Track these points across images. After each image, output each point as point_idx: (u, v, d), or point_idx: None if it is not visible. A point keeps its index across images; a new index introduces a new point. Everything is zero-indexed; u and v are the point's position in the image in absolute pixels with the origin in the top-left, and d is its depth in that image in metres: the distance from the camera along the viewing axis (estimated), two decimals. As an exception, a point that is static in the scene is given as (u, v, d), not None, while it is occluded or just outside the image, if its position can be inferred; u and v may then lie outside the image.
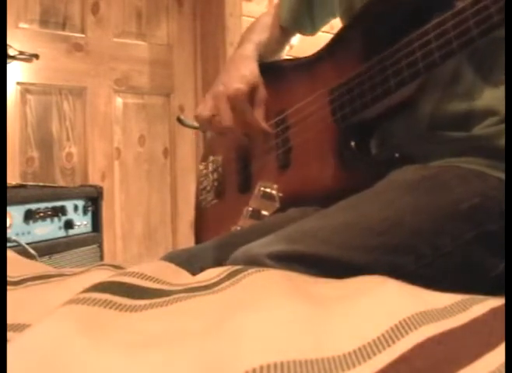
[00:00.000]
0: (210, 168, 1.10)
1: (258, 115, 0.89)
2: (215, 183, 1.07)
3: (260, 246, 0.63)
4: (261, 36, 1.01)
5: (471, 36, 0.62)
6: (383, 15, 0.77)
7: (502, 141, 0.70)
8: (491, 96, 0.72)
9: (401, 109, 0.75)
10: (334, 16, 1.00)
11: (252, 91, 0.90)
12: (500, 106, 0.72)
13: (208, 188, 1.09)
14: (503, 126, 0.71)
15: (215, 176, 1.08)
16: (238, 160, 1.02)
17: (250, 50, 0.97)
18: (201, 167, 1.13)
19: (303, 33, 1.05)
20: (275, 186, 0.88)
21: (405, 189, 0.68)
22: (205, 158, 1.14)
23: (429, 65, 0.67)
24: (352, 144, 0.78)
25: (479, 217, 0.66)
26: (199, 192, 1.13)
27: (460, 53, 0.65)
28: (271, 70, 0.96)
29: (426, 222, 0.64)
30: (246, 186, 0.99)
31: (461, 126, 0.73)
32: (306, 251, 0.61)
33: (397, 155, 0.74)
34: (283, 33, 1.04)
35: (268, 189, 0.87)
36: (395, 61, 0.71)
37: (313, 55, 0.89)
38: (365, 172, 0.77)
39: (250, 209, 0.89)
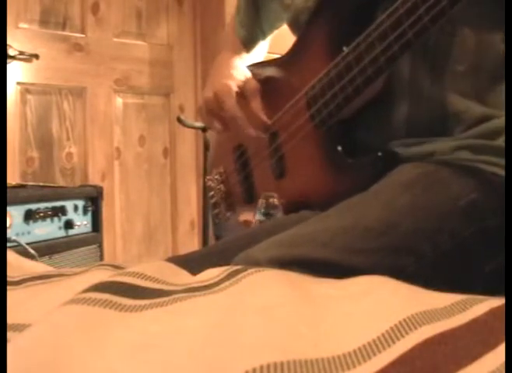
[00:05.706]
0: (216, 181, 1.10)
1: (255, 106, 0.88)
2: (224, 196, 1.08)
3: (260, 251, 0.62)
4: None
5: (423, 24, 0.62)
6: (335, 9, 0.77)
7: (492, 140, 0.69)
8: (451, 96, 0.72)
9: (374, 108, 0.75)
10: (281, 22, 1.00)
11: (242, 86, 0.90)
12: (461, 102, 0.71)
13: (219, 202, 1.09)
14: (483, 126, 0.70)
15: (223, 188, 1.08)
16: (239, 172, 1.03)
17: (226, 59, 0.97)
18: (209, 182, 1.13)
19: (256, 40, 1.05)
20: (276, 195, 0.88)
21: (402, 188, 0.68)
22: (210, 172, 1.15)
23: (389, 59, 0.67)
24: (339, 148, 0.78)
25: (478, 213, 0.65)
26: (212, 206, 1.13)
27: (416, 42, 0.64)
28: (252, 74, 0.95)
29: (424, 221, 0.64)
30: (250, 197, 0.99)
31: (438, 133, 0.72)
32: (307, 255, 0.61)
33: (380, 153, 0.74)
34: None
35: (270, 200, 0.87)
36: (358, 57, 0.70)
37: (286, 55, 0.89)
38: (356, 173, 0.76)
39: (258, 221, 0.89)
